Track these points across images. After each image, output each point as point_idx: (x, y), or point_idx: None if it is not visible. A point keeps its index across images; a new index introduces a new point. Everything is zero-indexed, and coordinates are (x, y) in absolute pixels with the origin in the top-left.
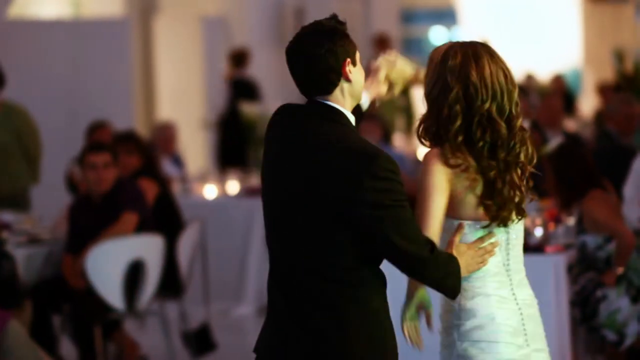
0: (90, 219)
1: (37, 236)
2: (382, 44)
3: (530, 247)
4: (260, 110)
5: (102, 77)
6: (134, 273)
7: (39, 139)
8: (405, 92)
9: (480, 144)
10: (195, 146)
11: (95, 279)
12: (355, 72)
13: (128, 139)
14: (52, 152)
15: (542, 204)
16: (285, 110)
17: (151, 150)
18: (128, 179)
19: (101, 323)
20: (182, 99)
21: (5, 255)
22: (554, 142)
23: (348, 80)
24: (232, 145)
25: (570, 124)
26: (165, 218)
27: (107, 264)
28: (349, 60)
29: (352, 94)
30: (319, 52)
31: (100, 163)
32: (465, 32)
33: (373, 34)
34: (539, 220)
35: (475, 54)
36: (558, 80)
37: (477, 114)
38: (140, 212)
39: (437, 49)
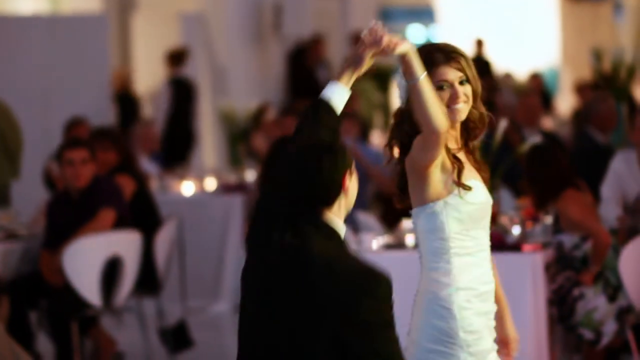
0: (68, 215)
1: (14, 232)
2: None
3: (508, 246)
4: (237, 106)
5: (80, 74)
6: (111, 269)
7: (20, 135)
8: (384, 88)
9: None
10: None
11: (72, 275)
12: (352, 183)
13: (105, 135)
14: (29, 148)
15: (519, 203)
16: (278, 224)
17: (129, 147)
18: (105, 175)
19: (78, 319)
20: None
21: None
22: (532, 141)
23: (346, 193)
24: (176, 144)
25: (548, 123)
26: (142, 215)
27: (84, 260)
28: (348, 171)
29: (347, 205)
30: (323, 167)
31: (78, 159)
32: (442, 30)
33: (350, 31)
34: (516, 219)
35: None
36: (535, 78)
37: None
38: (117, 209)
39: (460, 49)
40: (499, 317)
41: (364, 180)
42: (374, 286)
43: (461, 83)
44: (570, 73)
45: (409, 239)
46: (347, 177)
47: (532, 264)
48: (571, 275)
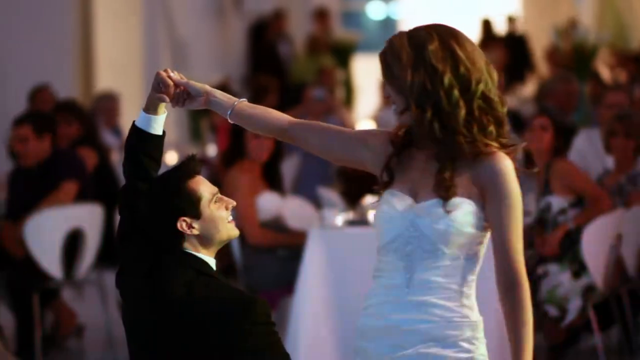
0: (29, 187)
1: None
2: (321, 17)
3: None
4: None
5: (41, 44)
6: (73, 242)
7: None
8: (345, 64)
9: (490, 128)
10: (134, 117)
11: (33, 247)
12: (202, 219)
13: (68, 108)
14: None
15: None
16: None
17: (91, 119)
18: (68, 148)
19: (39, 291)
20: (121, 69)
21: None
22: None
23: (187, 232)
24: None
25: (511, 101)
26: (104, 188)
27: (45, 233)
28: (181, 218)
29: (213, 236)
30: (142, 213)
31: (19, 137)
32: (403, 6)
33: (313, 8)
34: None
35: (451, 32)
36: (500, 57)
37: (475, 97)
38: (79, 181)
39: (395, 41)
40: None
41: None
42: (251, 312)
43: (384, 84)
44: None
45: (371, 216)
46: (184, 221)
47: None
48: (534, 253)
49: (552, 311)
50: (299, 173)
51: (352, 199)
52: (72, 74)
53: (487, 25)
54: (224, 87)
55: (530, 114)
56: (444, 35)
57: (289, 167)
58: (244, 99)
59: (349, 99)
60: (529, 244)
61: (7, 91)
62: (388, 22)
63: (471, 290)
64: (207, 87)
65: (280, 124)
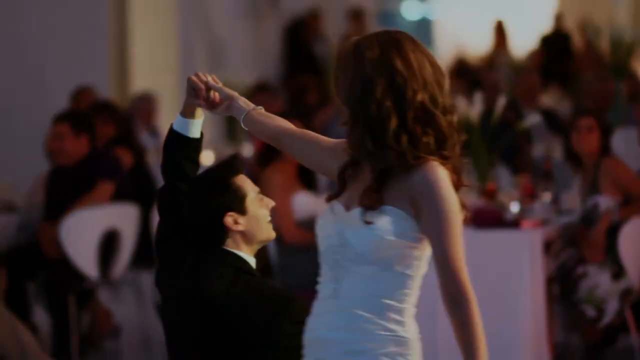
0: (67, 187)
1: (12, 203)
2: (356, 17)
3: (506, 223)
4: (234, 81)
5: (78, 46)
6: (109, 242)
7: None
8: None
9: (425, 139)
10: (171, 118)
11: (69, 247)
12: (248, 216)
13: (103, 108)
14: (24, 119)
15: (518, 180)
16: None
17: (127, 120)
18: (105, 148)
19: (75, 292)
20: (157, 70)
21: None
22: (531, 118)
23: (231, 230)
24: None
25: (547, 100)
26: (140, 188)
27: (81, 233)
28: (228, 213)
29: (255, 236)
30: (184, 212)
31: (56, 134)
32: (439, 5)
33: (348, 7)
34: (514, 196)
35: (395, 40)
36: (535, 56)
37: (411, 108)
38: (115, 182)
39: (342, 50)
40: None
41: None
42: (290, 310)
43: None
44: None
45: None
46: (230, 216)
47: (530, 241)
48: (575, 253)
49: (590, 311)
50: None
51: None
52: (108, 75)
53: (500, 26)
54: (263, 87)
55: (567, 114)
56: (386, 44)
57: None
58: (261, 107)
59: None
60: (569, 242)
61: (45, 93)
62: (423, 22)
63: (405, 305)
64: (235, 94)
65: (277, 132)
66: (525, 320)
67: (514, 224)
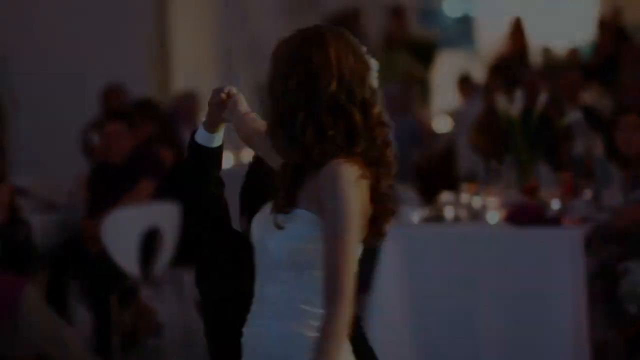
0: (109, 185)
1: (53, 202)
2: (397, 14)
3: (547, 220)
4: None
5: (118, 45)
6: (150, 241)
7: None
8: (425, 62)
9: (332, 132)
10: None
11: (111, 246)
12: None
13: (144, 106)
14: (65, 118)
15: (559, 177)
16: None
17: (167, 118)
18: (146, 146)
19: (117, 290)
20: (197, 69)
21: (21, 221)
22: (572, 116)
23: None
24: None
25: (588, 98)
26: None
27: (123, 231)
28: None
29: None
30: None
31: (113, 133)
32: (480, 3)
33: (388, 5)
34: (556, 193)
35: (316, 34)
36: (574, 53)
37: (321, 100)
38: (156, 180)
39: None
40: None
41: (407, 153)
42: None
43: None
44: None
45: (448, 212)
46: None
47: (571, 238)
48: (615, 249)
49: (632, 308)
50: None
51: (428, 196)
52: (148, 74)
53: (517, 23)
54: None
55: (608, 110)
56: (307, 38)
57: None
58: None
59: (425, 97)
60: (610, 239)
61: (86, 93)
62: (465, 20)
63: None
64: (248, 109)
65: (249, 134)
66: (566, 317)
67: (555, 221)
